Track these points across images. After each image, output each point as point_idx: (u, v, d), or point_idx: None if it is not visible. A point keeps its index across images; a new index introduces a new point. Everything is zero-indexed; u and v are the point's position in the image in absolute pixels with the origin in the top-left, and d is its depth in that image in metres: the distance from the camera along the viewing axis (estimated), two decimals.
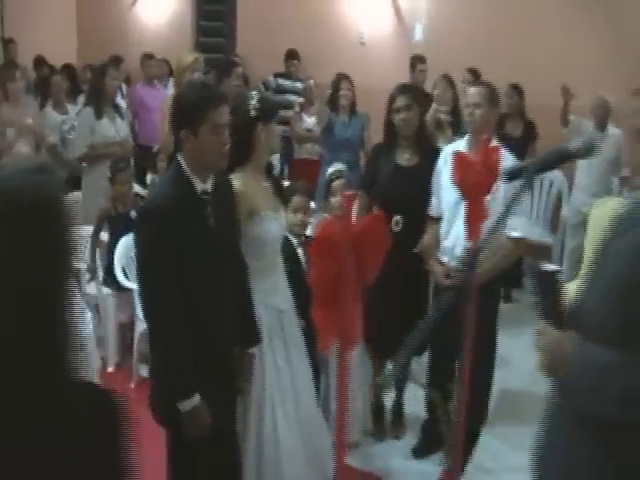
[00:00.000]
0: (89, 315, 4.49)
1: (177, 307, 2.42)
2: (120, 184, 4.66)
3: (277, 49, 7.73)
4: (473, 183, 2.82)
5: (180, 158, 2.51)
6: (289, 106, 6.87)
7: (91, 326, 4.45)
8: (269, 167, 3.17)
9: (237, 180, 2.83)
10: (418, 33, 7.31)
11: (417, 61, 6.80)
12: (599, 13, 6.30)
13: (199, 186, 2.50)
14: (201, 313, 2.51)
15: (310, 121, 6.47)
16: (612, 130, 5.38)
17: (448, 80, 5.51)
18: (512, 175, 1.94)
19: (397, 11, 7.54)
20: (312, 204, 4.04)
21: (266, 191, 3.01)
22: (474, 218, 2.90)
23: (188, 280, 2.45)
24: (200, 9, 9.18)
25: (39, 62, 8.26)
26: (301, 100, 6.96)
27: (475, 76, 5.95)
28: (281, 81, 7.45)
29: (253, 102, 2.91)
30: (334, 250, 1.89)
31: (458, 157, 2.94)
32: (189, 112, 2.46)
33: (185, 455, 2.62)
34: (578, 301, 1.77)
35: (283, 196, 3.22)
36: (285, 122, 6.92)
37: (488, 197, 2.96)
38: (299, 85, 7.29)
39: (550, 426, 1.85)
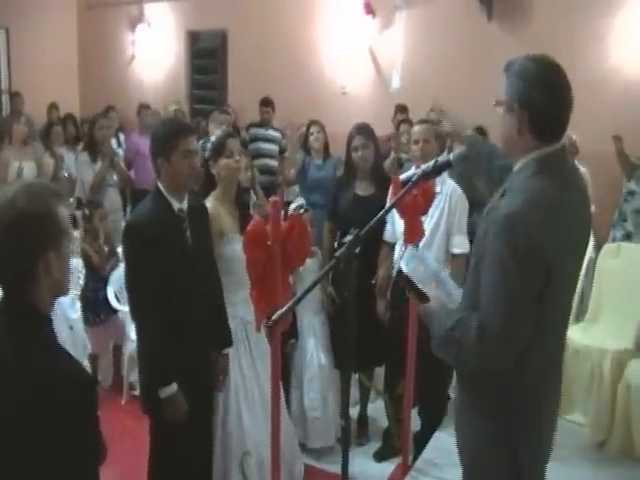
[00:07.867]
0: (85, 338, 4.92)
1: (158, 308, 2.80)
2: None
3: None
4: (409, 204, 3.24)
5: (159, 182, 2.93)
6: (259, 154, 7.29)
7: (89, 347, 4.88)
8: (240, 197, 3.62)
9: (208, 204, 3.30)
10: (395, 82, 7.83)
11: (399, 110, 7.31)
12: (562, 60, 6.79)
13: (176, 205, 2.92)
14: (180, 315, 2.88)
15: None
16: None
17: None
18: (404, 182, 2.41)
19: (375, 63, 8.09)
20: None
21: (233, 216, 3.43)
22: (411, 235, 3.32)
23: (169, 285, 2.83)
24: (193, 63, 9.80)
25: (52, 108, 8.91)
26: (275, 147, 7.35)
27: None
28: (253, 130, 7.61)
29: (209, 145, 3.45)
30: (262, 242, 2.34)
31: (395, 181, 3.36)
32: (162, 142, 2.90)
33: (165, 441, 2.96)
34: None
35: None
36: (267, 171, 7.25)
37: (423, 217, 3.40)
38: (273, 132, 7.53)
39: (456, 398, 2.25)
